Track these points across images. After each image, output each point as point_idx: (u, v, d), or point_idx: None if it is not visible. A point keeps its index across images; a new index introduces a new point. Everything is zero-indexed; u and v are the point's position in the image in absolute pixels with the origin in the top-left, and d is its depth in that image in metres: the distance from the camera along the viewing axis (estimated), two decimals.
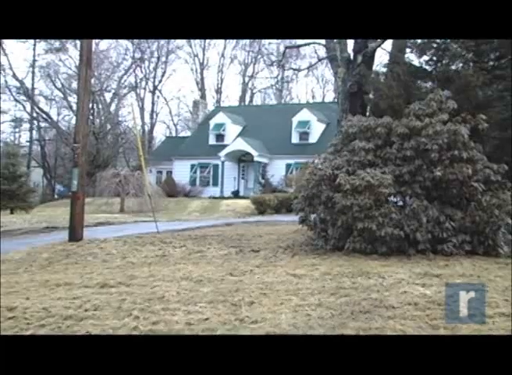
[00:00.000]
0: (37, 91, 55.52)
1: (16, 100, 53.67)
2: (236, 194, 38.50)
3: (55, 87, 54.37)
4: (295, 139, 40.42)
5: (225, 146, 40.19)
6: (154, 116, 64.16)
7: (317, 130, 39.79)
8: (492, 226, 10.18)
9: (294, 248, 11.46)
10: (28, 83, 53.82)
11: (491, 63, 14.11)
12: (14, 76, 51.63)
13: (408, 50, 15.23)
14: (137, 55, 57.59)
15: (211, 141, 43.08)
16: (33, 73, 54.94)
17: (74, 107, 44.45)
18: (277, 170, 38.32)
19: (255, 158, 38.53)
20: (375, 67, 18.49)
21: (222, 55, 69.48)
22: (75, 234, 14.03)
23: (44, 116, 54.09)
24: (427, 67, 14.76)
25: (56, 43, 52.37)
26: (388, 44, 18.31)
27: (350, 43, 19.24)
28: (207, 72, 65.86)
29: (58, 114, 57.91)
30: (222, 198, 36.77)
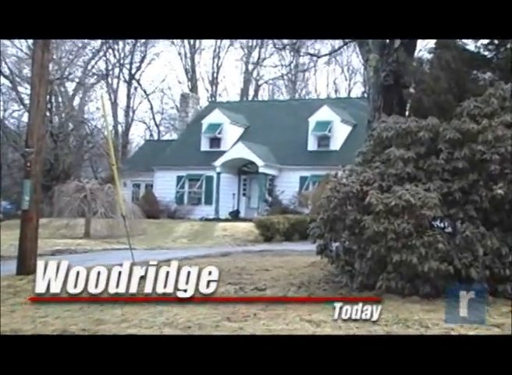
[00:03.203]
0: None
1: None
2: (235, 216, 38.54)
3: (1, 73, 54.64)
4: (312, 145, 40.50)
5: (221, 153, 40.27)
6: (131, 113, 64.32)
7: (340, 133, 39.88)
8: None
9: (310, 286, 11.49)
10: None
11: None
12: None
13: None
14: None
15: (204, 146, 43.21)
16: None
17: (26, 100, 44.63)
18: (288, 185, 38.36)
19: (260, 170, 38.58)
20: (417, 53, 18.58)
21: None
22: (25, 266, 14.03)
23: None
24: (486, 53, 14.81)
25: None
26: None
27: None
28: (199, 57, 65.41)
29: (5, 109, 57.88)
30: (218, 220, 36.75)
